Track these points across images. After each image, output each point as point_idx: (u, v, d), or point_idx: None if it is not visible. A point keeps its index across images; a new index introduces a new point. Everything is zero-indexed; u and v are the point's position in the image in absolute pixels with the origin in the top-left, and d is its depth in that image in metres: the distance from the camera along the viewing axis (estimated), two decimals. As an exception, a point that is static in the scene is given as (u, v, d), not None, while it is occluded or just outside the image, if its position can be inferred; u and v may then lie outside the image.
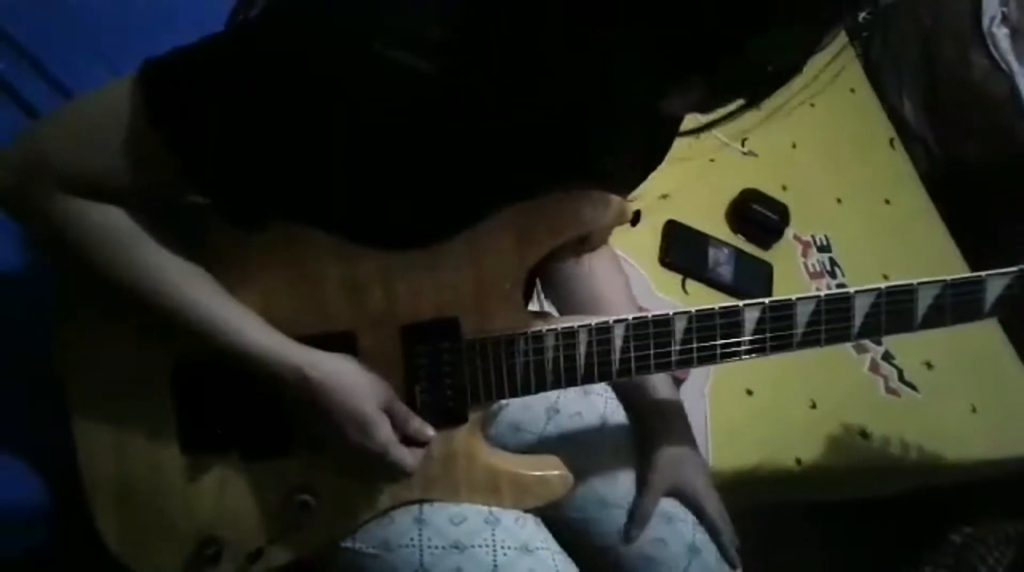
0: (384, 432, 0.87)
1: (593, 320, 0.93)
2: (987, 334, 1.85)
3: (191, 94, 0.74)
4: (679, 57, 0.65)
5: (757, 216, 1.78)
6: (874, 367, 1.73)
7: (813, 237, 1.86)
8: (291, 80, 0.72)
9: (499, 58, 0.75)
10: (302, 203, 0.82)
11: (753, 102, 0.72)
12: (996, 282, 0.98)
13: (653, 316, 0.93)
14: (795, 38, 0.67)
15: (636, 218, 0.92)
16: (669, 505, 1.10)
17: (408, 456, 0.88)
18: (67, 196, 0.78)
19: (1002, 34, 2.19)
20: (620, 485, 1.10)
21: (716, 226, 1.77)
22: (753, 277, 1.71)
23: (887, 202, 2.03)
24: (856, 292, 0.94)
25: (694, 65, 0.66)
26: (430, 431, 0.90)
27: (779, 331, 0.95)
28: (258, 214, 0.84)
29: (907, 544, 1.84)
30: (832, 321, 0.95)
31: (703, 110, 0.73)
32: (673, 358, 0.94)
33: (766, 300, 0.94)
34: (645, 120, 0.91)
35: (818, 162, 1.99)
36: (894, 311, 0.96)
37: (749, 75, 0.68)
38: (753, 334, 0.94)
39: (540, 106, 0.80)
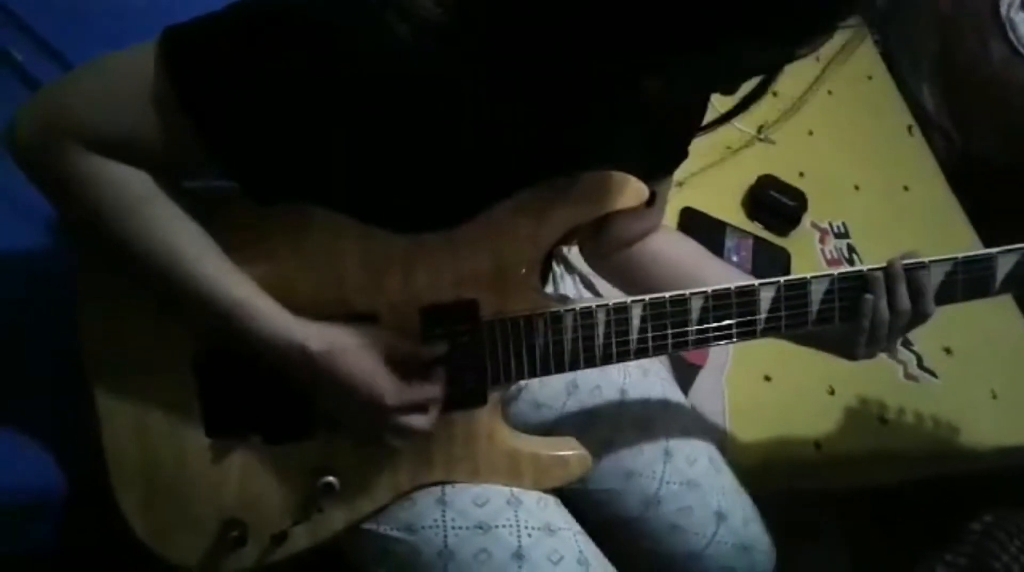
0: (389, 393, 0.86)
1: (611, 300, 0.94)
2: (1007, 319, 1.84)
3: (212, 66, 0.75)
4: (637, 58, 0.69)
5: (774, 203, 1.78)
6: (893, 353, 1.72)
7: (831, 224, 1.86)
8: (307, 54, 0.74)
9: (491, 41, 0.76)
10: (318, 182, 0.83)
11: (726, 94, 0.76)
12: (1006, 259, 0.99)
13: (670, 296, 0.94)
14: (753, 54, 0.69)
15: (651, 199, 0.93)
16: (693, 472, 1.10)
17: (418, 418, 0.89)
18: (88, 153, 0.78)
19: (1020, 19, 2.17)
20: (644, 455, 1.11)
21: (733, 213, 1.77)
22: (771, 264, 1.71)
23: (905, 189, 2.02)
24: (868, 270, 0.95)
25: (646, 68, 0.70)
26: (436, 390, 0.90)
27: (794, 310, 0.96)
28: (277, 190, 0.84)
29: (926, 532, 1.83)
30: (845, 299, 0.96)
31: (673, 97, 0.75)
32: (690, 338, 0.95)
33: (781, 279, 0.95)
34: (651, 105, 0.92)
35: (836, 149, 1.98)
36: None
37: (707, 78, 0.71)
38: (769, 313, 0.95)
39: (538, 90, 0.81)
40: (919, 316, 0.98)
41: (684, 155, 1.06)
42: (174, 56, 0.75)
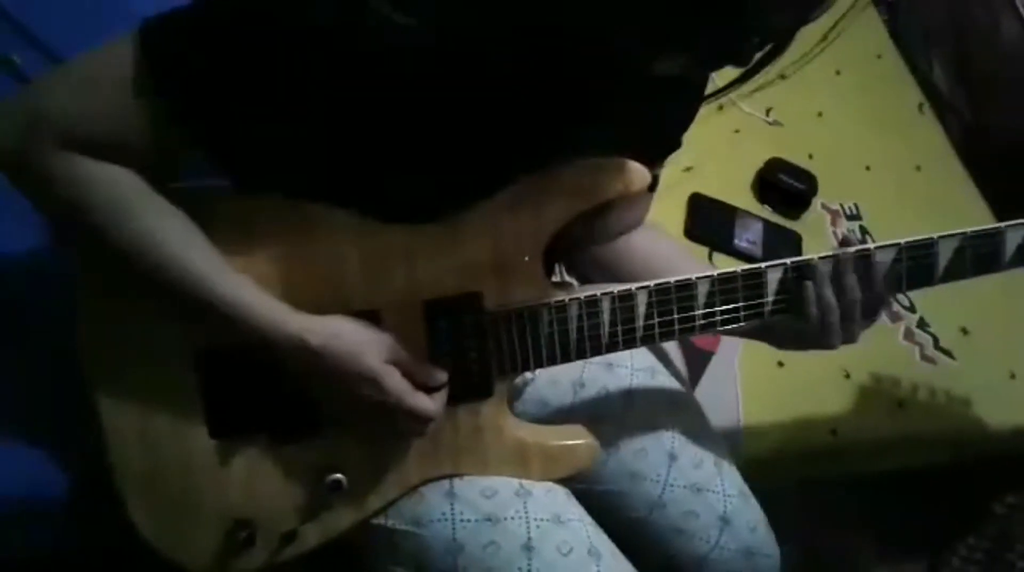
0: (394, 381, 0.86)
1: (615, 288, 0.92)
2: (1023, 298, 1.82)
3: (192, 57, 0.75)
4: (665, 31, 0.67)
5: (784, 186, 1.76)
6: (909, 335, 1.70)
7: (842, 205, 1.84)
8: (291, 40, 0.73)
9: (490, 15, 0.75)
10: (304, 166, 0.82)
11: (741, 66, 0.74)
12: (1015, 232, 0.97)
13: (675, 281, 0.92)
14: (781, 16, 0.68)
15: (654, 184, 0.91)
16: (698, 476, 1.09)
17: (426, 400, 0.88)
18: (70, 154, 0.77)
19: (1031, -5, 2.15)
20: (649, 457, 1.09)
21: (742, 197, 1.76)
22: (782, 248, 1.69)
23: (918, 169, 2.00)
24: (876, 248, 0.94)
25: (679, 40, 0.68)
26: (441, 375, 0.90)
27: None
28: (263, 176, 0.84)
29: (948, 515, 1.82)
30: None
31: (693, 72, 0.73)
32: (697, 322, 0.94)
33: (788, 260, 0.93)
34: (653, 85, 0.90)
35: (845, 130, 1.97)
36: (915, 265, 0.95)
37: (733, 47, 0.69)
38: (776, 294, 0.94)
39: (537, 68, 0.80)
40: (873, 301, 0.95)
41: (676, 145, 1.04)
42: (152, 43, 0.75)
